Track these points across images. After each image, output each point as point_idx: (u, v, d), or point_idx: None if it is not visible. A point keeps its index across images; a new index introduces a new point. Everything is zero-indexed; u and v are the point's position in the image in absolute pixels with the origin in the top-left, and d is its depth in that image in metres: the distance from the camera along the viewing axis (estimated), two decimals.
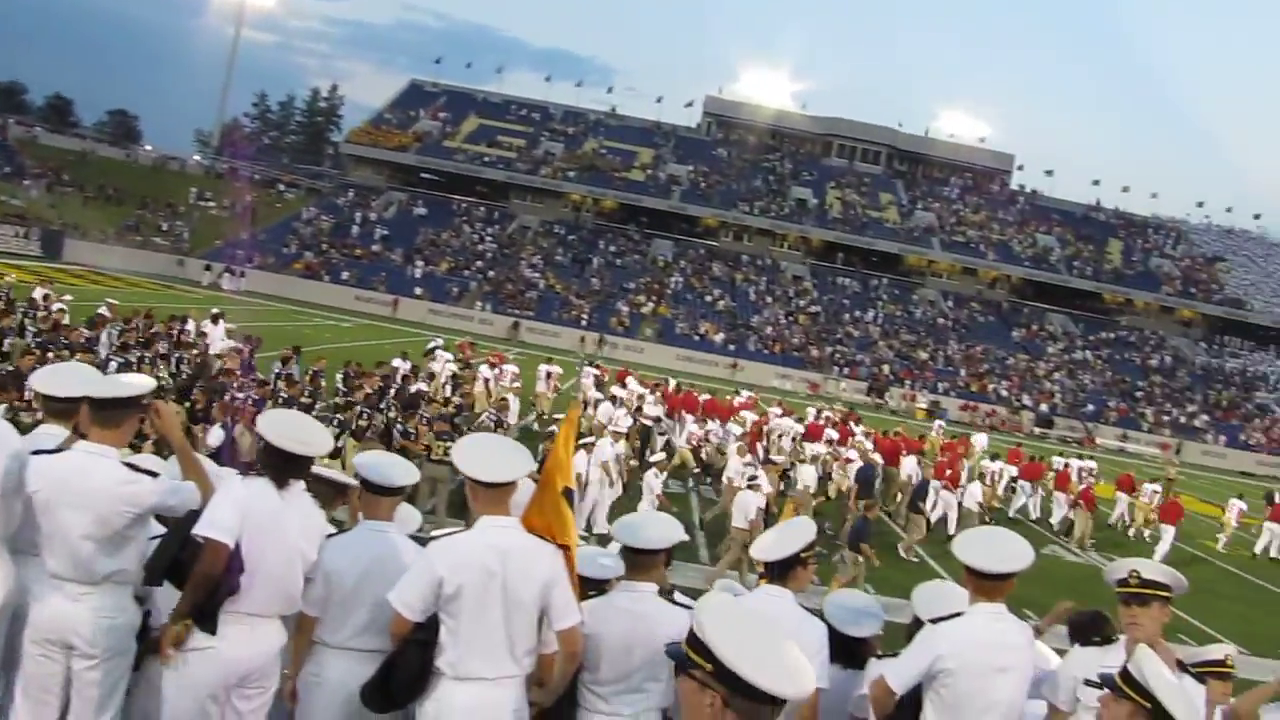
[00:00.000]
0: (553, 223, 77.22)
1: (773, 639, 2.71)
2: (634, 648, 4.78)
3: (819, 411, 31.24)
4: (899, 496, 22.92)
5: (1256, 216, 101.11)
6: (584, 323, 62.71)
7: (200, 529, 4.59)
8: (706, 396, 30.48)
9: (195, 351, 20.83)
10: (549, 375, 29.79)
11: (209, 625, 4.66)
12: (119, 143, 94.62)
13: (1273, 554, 27.46)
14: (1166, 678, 3.67)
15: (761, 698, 2.54)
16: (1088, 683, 4.73)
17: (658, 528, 5.12)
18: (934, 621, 4.85)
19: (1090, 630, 5.40)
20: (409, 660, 4.64)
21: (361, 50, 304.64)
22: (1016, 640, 4.77)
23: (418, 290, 63.62)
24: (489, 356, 30.02)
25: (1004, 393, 63.44)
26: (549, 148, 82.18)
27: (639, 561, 5.00)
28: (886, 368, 63.71)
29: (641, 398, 26.73)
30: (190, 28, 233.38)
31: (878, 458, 22.88)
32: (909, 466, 23.55)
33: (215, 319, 26.19)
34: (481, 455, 4.81)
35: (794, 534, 5.08)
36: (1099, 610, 5.61)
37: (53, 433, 5.27)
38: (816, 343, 65.59)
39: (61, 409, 5.37)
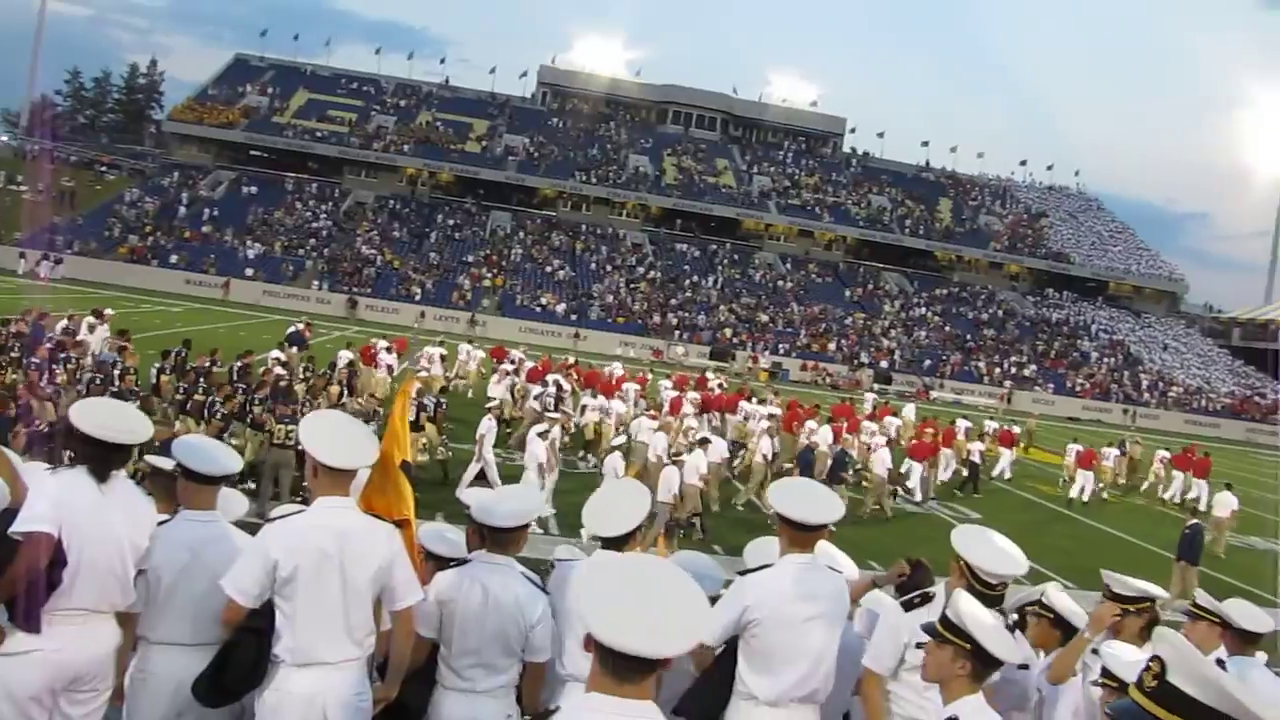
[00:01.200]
0: (388, 197, 75.97)
1: (643, 598, 2.78)
2: (486, 621, 4.76)
3: (720, 385, 31.65)
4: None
5: (1076, 174, 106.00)
6: (417, 297, 62.06)
7: (17, 526, 4.37)
8: (620, 372, 30.99)
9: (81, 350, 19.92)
10: (442, 358, 30.03)
11: (33, 626, 4.44)
12: None
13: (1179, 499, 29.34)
14: (982, 618, 3.81)
15: (605, 649, 2.71)
16: (919, 646, 4.79)
17: (512, 503, 5.11)
18: (743, 573, 4.87)
19: (912, 581, 5.47)
20: (245, 650, 4.53)
21: (183, 24, 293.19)
22: (825, 590, 4.78)
23: (250, 271, 61.85)
24: (393, 343, 29.79)
25: (844, 351, 64.72)
26: (381, 121, 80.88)
27: (496, 538, 4.99)
28: (729, 331, 64.41)
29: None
30: None
31: (818, 439, 22.83)
32: (825, 437, 23.65)
33: (98, 314, 24.94)
34: (331, 437, 4.70)
35: (631, 510, 5.06)
36: (920, 560, 5.67)
37: None
38: (658, 309, 65.96)
39: None
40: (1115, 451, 30.60)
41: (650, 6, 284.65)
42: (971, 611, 3.85)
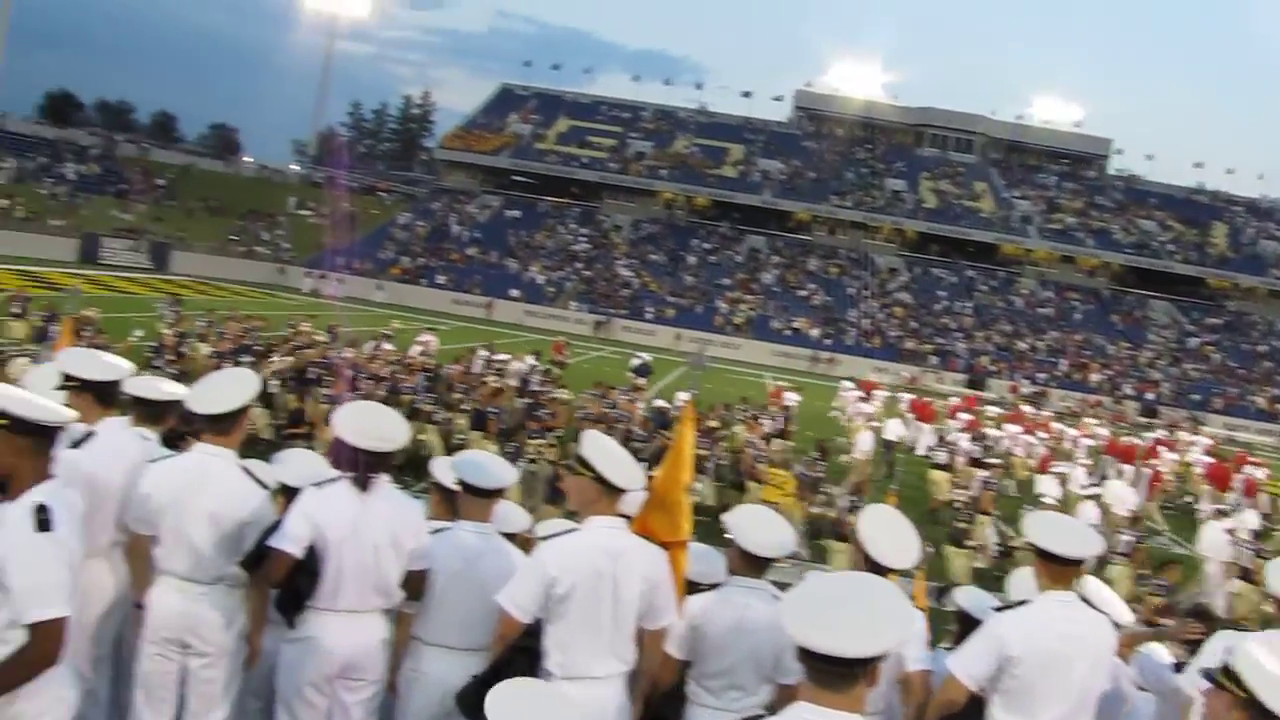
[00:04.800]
0: (645, 221, 77.44)
1: (840, 602, 2.92)
2: (739, 642, 4.80)
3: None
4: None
5: None
6: (656, 317, 62.83)
7: (271, 540, 4.73)
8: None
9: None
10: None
11: (290, 619, 4.84)
12: (220, 155, 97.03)
13: None
14: (1271, 671, 3.60)
15: (805, 653, 2.83)
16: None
17: (773, 533, 5.10)
18: (1000, 609, 4.79)
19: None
20: (518, 669, 4.53)
21: (455, 57, 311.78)
22: (1088, 629, 4.60)
23: (513, 292, 64.12)
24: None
25: (1109, 382, 62.11)
26: (639, 147, 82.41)
27: (753, 562, 5.00)
28: (985, 359, 62.85)
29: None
30: (286, 42, 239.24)
31: None
32: None
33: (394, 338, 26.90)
34: (617, 458, 4.84)
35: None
36: (1208, 610, 5.48)
37: (148, 435, 5.43)
38: (913, 335, 64.96)
39: (153, 413, 5.56)
40: None
41: (908, 29, 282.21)
42: (1257, 663, 3.66)
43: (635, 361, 31.47)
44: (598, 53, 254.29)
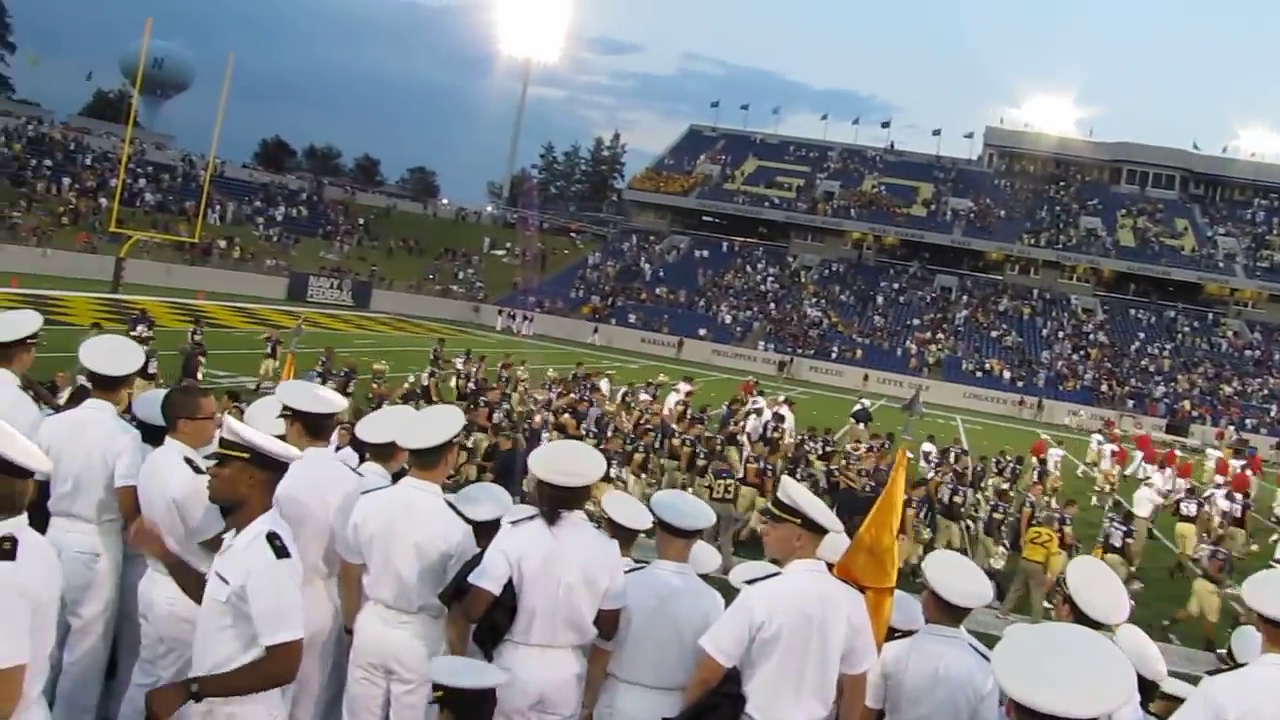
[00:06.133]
0: (833, 261, 77.26)
1: (1059, 659, 2.85)
2: (934, 692, 4.79)
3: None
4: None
5: None
6: (843, 357, 62.50)
7: (471, 578, 4.87)
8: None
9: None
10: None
11: (488, 652, 4.97)
12: (419, 198, 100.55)
13: None
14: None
15: (1024, 710, 2.72)
16: None
17: (971, 582, 5.03)
18: (1212, 673, 4.49)
19: None
20: (720, 714, 4.63)
21: (645, 100, 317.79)
22: None
23: (701, 331, 64.78)
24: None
25: None
26: (827, 187, 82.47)
27: (949, 610, 4.95)
28: (1187, 403, 60.57)
29: None
30: (481, 89, 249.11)
31: None
32: None
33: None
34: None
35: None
36: None
37: (378, 472, 5.84)
38: (1108, 378, 63.12)
39: (381, 451, 5.96)
40: None
41: (1103, 62, 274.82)
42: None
43: (857, 407, 31.62)
44: (785, 93, 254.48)
